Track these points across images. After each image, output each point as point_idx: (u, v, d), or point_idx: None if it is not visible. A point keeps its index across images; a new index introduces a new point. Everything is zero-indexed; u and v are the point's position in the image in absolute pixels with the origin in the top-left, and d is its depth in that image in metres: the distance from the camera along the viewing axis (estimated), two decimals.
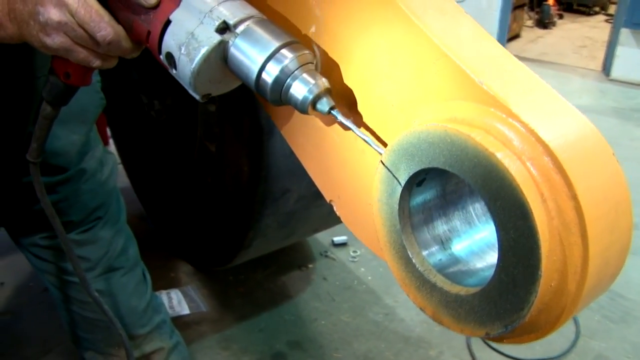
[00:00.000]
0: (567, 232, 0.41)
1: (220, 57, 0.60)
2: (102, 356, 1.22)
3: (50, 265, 1.14)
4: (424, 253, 0.53)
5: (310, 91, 0.57)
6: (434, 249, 0.54)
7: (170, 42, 0.61)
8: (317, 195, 1.62)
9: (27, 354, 1.80)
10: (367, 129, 0.59)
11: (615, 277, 0.45)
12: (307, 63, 0.58)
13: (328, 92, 0.57)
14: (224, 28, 0.59)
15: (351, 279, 2.30)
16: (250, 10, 0.61)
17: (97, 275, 1.15)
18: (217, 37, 0.59)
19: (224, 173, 1.75)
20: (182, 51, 0.60)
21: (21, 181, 1.07)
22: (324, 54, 0.61)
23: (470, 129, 0.44)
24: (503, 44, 4.88)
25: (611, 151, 0.44)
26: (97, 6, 0.64)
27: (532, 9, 6.59)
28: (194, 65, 0.59)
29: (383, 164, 0.52)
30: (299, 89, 0.57)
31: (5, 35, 0.69)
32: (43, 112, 0.79)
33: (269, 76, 0.57)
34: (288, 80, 0.57)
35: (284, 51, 0.58)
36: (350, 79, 0.59)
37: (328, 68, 0.61)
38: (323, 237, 2.55)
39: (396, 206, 0.52)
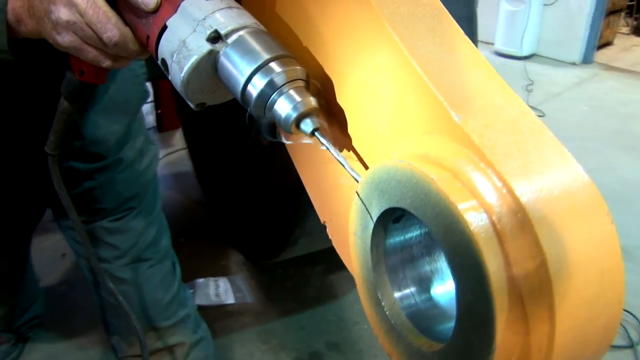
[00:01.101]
0: (533, 303, 0.36)
1: (211, 66, 0.58)
2: (126, 343, 1.25)
3: (83, 250, 1.18)
4: (397, 295, 0.48)
5: (295, 109, 0.53)
6: (410, 291, 0.49)
7: (165, 48, 0.60)
8: None
9: (75, 325, 1.90)
10: (356, 153, 0.55)
11: (599, 356, 0.39)
12: (297, 79, 0.55)
13: (314, 112, 0.54)
14: (216, 37, 0.57)
15: None
16: (246, 20, 0.58)
17: (124, 264, 1.17)
18: (207, 47, 0.57)
19: (274, 169, 1.75)
20: (174, 59, 0.58)
21: (62, 165, 1.11)
22: (320, 69, 0.57)
23: (437, 171, 0.39)
24: (591, 52, 4.54)
25: (605, 211, 0.38)
26: (106, 7, 0.64)
27: (630, 14, 6.00)
28: (182, 74, 0.58)
29: (358, 195, 0.48)
30: (284, 106, 0.54)
31: (26, 31, 0.71)
32: (60, 107, 0.81)
33: (254, 89, 0.54)
34: (273, 96, 0.54)
35: (273, 64, 0.55)
36: (341, 99, 0.55)
37: (323, 84, 0.57)
38: None
39: (369, 242, 0.48)
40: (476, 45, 1.69)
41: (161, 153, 3.23)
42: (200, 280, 2.23)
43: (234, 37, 0.57)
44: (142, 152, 1.22)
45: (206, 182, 2.55)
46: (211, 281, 2.21)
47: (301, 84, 0.55)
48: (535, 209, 0.36)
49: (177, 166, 3.09)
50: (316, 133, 0.53)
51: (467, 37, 0.47)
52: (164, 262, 1.25)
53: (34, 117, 1.01)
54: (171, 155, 3.21)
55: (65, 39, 0.66)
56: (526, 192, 0.36)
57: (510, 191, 0.36)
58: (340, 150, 0.58)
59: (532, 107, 3.62)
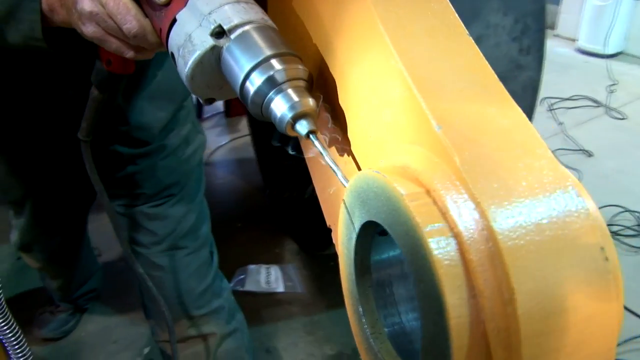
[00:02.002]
0: (497, 344, 0.32)
1: (215, 62, 0.56)
2: (160, 327, 1.28)
3: (124, 233, 1.22)
4: (381, 313, 0.45)
5: (291, 109, 0.51)
6: (398, 309, 0.46)
7: (173, 42, 0.59)
8: None
9: (129, 301, 1.98)
10: (354, 158, 0.52)
11: None
12: (297, 79, 0.52)
13: (311, 113, 0.51)
14: (220, 32, 0.56)
15: None
16: (253, 16, 0.56)
17: (161, 250, 1.20)
18: (210, 42, 0.55)
19: None
20: (180, 53, 0.58)
21: (108, 149, 1.15)
22: (327, 68, 0.55)
23: (409, 187, 0.35)
24: None
25: (599, 246, 0.33)
26: None
27: None
28: (187, 69, 0.57)
29: (344, 203, 0.45)
30: (280, 105, 0.51)
31: (59, 20, 0.73)
32: (91, 95, 0.83)
33: (252, 85, 0.53)
34: (271, 94, 0.52)
35: (273, 61, 0.53)
36: (342, 101, 0.52)
37: (330, 85, 0.55)
38: None
39: (352, 254, 0.45)
40: (544, 42, 1.59)
41: (227, 138, 3.30)
42: (252, 266, 2.26)
43: (237, 32, 0.55)
44: (188, 140, 1.23)
45: (266, 170, 2.58)
46: (263, 268, 2.24)
47: (302, 84, 0.52)
48: (508, 239, 0.31)
49: (241, 152, 3.15)
50: (311, 136, 0.50)
51: (471, 38, 0.43)
52: (201, 251, 1.27)
53: (79, 103, 1.05)
54: (236, 141, 3.27)
55: (89, 30, 0.68)
56: (500, 219, 0.32)
57: (483, 216, 0.32)
58: (341, 155, 0.56)
59: (613, 109, 3.39)
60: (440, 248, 0.32)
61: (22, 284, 2.07)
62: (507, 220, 0.32)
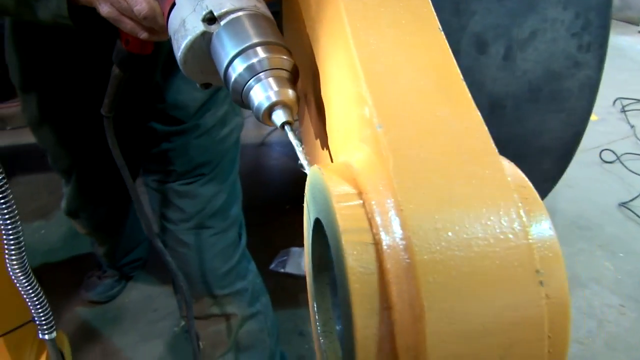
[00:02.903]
0: (404, 355, 0.30)
1: (207, 48, 0.56)
2: (184, 303, 1.32)
3: (156, 208, 1.26)
4: (337, 312, 0.44)
5: (268, 98, 0.50)
6: None
7: (171, 26, 0.60)
8: None
9: None
10: (330, 152, 0.50)
11: None
12: (279, 69, 0.51)
13: (289, 104, 0.50)
14: (211, 18, 0.55)
15: None
16: (245, 3, 0.56)
17: (188, 228, 1.23)
18: (200, 28, 0.55)
19: None
20: (175, 37, 0.58)
21: (145, 125, 1.19)
22: (313, 58, 0.53)
23: (342, 188, 0.34)
24: None
25: (534, 269, 0.30)
26: None
27: None
28: (179, 53, 0.57)
29: (304, 197, 0.44)
30: (259, 93, 0.51)
31: (82, 0, 0.75)
32: (113, 73, 0.85)
33: (233, 72, 0.52)
34: (250, 81, 0.51)
35: (258, 49, 0.52)
36: (323, 94, 0.51)
37: (317, 78, 0.53)
38: None
39: (310, 250, 0.44)
40: (606, 40, 1.48)
41: None
42: (296, 249, 2.28)
43: (228, 18, 0.55)
44: (224, 121, 1.25)
45: None
46: (296, 250, 2.25)
47: (284, 74, 0.51)
48: (425, 252, 0.29)
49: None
50: (286, 127, 0.49)
51: (442, 34, 0.40)
52: (229, 232, 1.28)
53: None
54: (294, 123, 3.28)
55: (105, 10, 0.69)
56: (420, 230, 0.30)
57: (404, 224, 0.30)
58: (322, 148, 0.54)
59: None
60: (356, 254, 0.31)
61: (76, 247, 2.19)
62: (427, 231, 0.30)
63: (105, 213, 1.63)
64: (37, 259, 2.16)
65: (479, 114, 0.35)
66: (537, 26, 1.39)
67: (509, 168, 0.37)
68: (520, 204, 0.31)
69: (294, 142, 0.48)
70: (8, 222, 0.79)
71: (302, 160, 0.47)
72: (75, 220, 1.64)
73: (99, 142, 1.30)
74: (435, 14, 0.41)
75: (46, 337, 0.91)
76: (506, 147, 1.36)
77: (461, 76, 0.38)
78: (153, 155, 1.21)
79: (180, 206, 1.21)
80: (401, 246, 0.30)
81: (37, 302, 0.88)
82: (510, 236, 0.30)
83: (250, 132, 3.19)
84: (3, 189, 0.77)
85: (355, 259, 0.30)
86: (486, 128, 0.34)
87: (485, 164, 0.33)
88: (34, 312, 0.89)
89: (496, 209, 0.31)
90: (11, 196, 0.78)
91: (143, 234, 2.04)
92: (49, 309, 0.90)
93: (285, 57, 0.52)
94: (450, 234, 0.30)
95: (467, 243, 0.30)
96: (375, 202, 0.32)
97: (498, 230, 0.30)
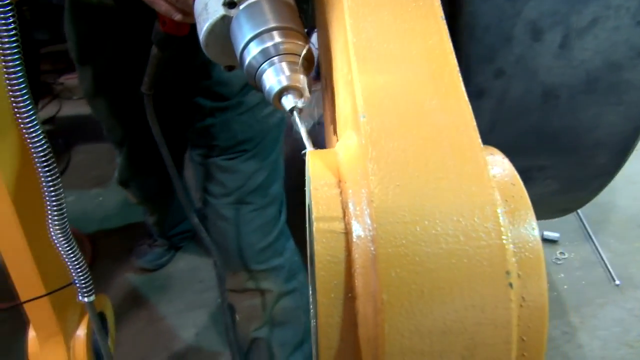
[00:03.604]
0: (367, 353, 0.30)
1: (227, 31, 0.57)
2: (218, 277, 1.35)
3: (199, 181, 1.30)
4: None
5: (279, 82, 0.50)
6: None
7: (196, 9, 0.61)
8: None
9: None
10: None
11: None
12: (293, 54, 0.51)
13: (299, 89, 0.50)
14: (232, 2, 0.56)
15: None
16: None
17: (229, 202, 1.25)
18: (221, 11, 0.56)
19: None
20: (198, 20, 0.59)
21: (191, 100, 1.22)
22: (328, 42, 0.53)
23: (324, 175, 0.34)
24: None
25: (504, 270, 0.29)
26: None
27: None
28: (201, 37, 0.58)
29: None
30: (271, 77, 0.51)
31: None
32: (152, 52, 0.87)
33: (248, 55, 0.53)
34: (264, 65, 0.52)
35: (273, 33, 0.52)
36: (334, 80, 0.51)
37: (329, 60, 0.53)
38: None
39: (308, 234, 0.44)
40: None
41: None
42: None
43: (247, 2, 0.55)
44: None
45: None
46: None
47: (297, 59, 0.51)
48: (390, 245, 0.29)
49: None
50: (294, 112, 0.50)
51: (444, 21, 0.38)
52: (268, 209, 1.30)
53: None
54: None
55: None
56: (387, 222, 0.29)
57: (372, 217, 0.30)
58: (334, 134, 0.54)
59: None
60: (325, 242, 0.31)
61: (129, 216, 2.29)
62: (394, 224, 0.29)
63: (154, 184, 1.70)
64: (94, 225, 2.28)
65: (469, 107, 0.34)
66: (599, 13, 1.31)
67: (500, 163, 0.35)
68: (497, 202, 0.30)
69: (300, 127, 0.48)
70: (51, 189, 0.84)
71: (307, 146, 0.47)
72: (127, 190, 1.72)
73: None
74: (439, 1, 0.40)
75: (85, 299, 0.96)
76: (558, 138, 1.30)
77: (457, 67, 0.36)
78: (198, 130, 1.24)
79: (222, 180, 1.24)
80: (369, 237, 0.30)
81: (77, 266, 0.93)
82: (482, 234, 0.29)
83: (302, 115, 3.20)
84: (47, 156, 0.81)
85: (324, 246, 0.31)
86: (474, 122, 0.33)
87: (467, 158, 0.32)
88: (75, 275, 0.94)
89: (470, 205, 0.30)
90: (54, 164, 0.83)
91: (194, 207, 2.11)
92: (88, 273, 0.95)
93: (300, 42, 0.52)
94: (418, 228, 0.29)
95: (435, 239, 0.29)
96: (352, 191, 0.32)
97: (469, 228, 0.30)
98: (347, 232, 0.31)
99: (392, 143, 0.32)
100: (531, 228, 0.32)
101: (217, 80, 1.19)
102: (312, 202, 0.32)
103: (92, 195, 2.47)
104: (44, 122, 2.91)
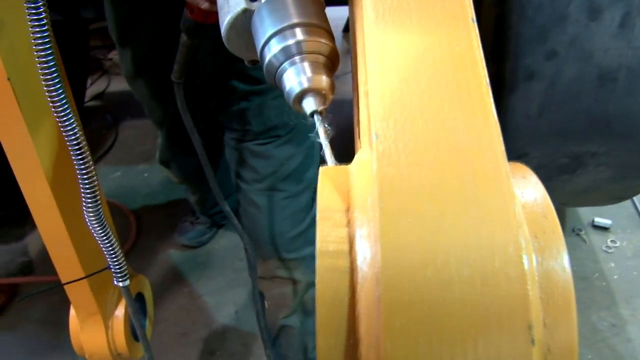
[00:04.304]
0: None
1: (249, 25, 0.54)
2: (249, 264, 1.35)
3: (233, 166, 1.29)
4: None
5: (299, 84, 0.47)
6: None
7: (218, 2, 0.58)
8: (564, 168, 1.42)
9: None
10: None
11: None
12: (316, 53, 0.48)
13: (322, 92, 0.47)
14: None
15: (593, 270, 1.96)
16: None
17: (261, 189, 1.24)
18: (242, 4, 0.53)
19: None
20: (220, 14, 0.56)
21: (226, 84, 1.21)
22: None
23: (332, 200, 0.31)
24: None
25: (527, 323, 0.26)
26: None
27: None
28: (223, 31, 0.56)
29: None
30: (291, 78, 0.48)
31: None
32: (181, 40, 0.85)
33: (268, 52, 0.50)
34: (285, 64, 0.49)
35: (296, 30, 0.49)
36: (359, 84, 0.47)
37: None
38: (584, 212, 2.20)
39: None
40: None
41: None
42: None
43: None
44: None
45: None
46: None
47: (320, 59, 0.48)
48: (396, 290, 0.26)
49: None
50: (315, 116, 0.46)
51: (474, 25, 0.34)
52: (301, 197, 1.28)
53: None
54: None
55: None
56: (394, 264, 0.26)
57: (379, 257, 0.27)
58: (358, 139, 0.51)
59: None
60: (328, 280, 0.28)
61: (173, 192, 2.32)
62: (402, 267, 0.26)
63: (194, 164, 1.70)
64: (139, 201, 2.32)
65: (497, 126, 0.30)
66: None
67: (532, 189, 0.31)
68: (522, 243, 0.27)
69: (321, 134, 0.45)
70: (85, 176, 0.84)
71: (327, 155, 0.44)
72: (168, 170, 1.73)
73: (188, 99, 1.34)
74: (471, 2, 0.35)
75: (120, 284, 0.98)
76: (613, 123, 1.22)
77: (487, 78, 0.32)
78: (232, 113, 1.23)
79: (254, 166, 1.23)
80: (375, 278, 0.27)
81: (112, 251, 0.94)
82: (503, 282, 0.26)
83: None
84: (80, 143, 0.82)
85: (327, 286, 0.28)
86: (502, 145, 0.30)
87: (491, 190, 0.28)
88: (109, 260, 0.95)
89: (491, 246, 0.27)
90: (87, 151, 0.83)
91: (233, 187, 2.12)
92: (122, 258, 0.95)
93: (324, 40, 0.48)
94: (429, 272, 0.26)
95: (448, 285, 0.26)
96: (360, 222, 0.29)
97: (488, 273, 0.26)
98: (352, 270, 0.28)
99: (406, 169, 0.29)
100: (562, 269, 0.28)
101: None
102: (317, 234, 0.29)
103: (138, 171, 2.52)
104: (93, 98, 2.98)
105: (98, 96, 3.00)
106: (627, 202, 2.12)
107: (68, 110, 0.79)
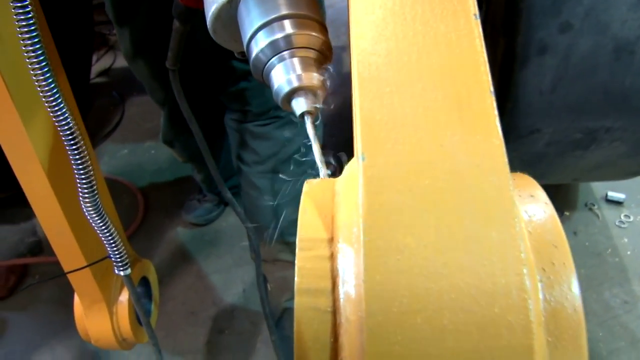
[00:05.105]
0: None
1: (235, 15, 0.50)
2: (252, 248, 1.33)
3: (234, 149, 1.26)
4: None
5: (289, 82, 0.43)
6: None
7: None
8: (577, 144, 1.38)
9: None
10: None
11: None
12: (307, 47, 0.44)
13: (312, 90, 0.43)
14: None
15: (606, 245, 1.92)
16: None
17: (262, 171, 1.21)
18: None
19: None
20: (205, 4, 0.52)
21: (225, 64, 1.17)
22: None
23: (314, 227, 0.28)
24: None
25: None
26: None
27: None
28: (208, 22, 0.52)
29: None
30: (280, 75, 0.44)
31: None
32: (174, 26, 0.82)
33: (255, 46, 0.46)
34: (273, 60, 0.45)
35: (285, 22, 0.45)
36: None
37: None
38: (597, 186, 2.16)
39: None
40: None
41: None
42: None
43: None
44: None
45: None
46: None
47: (311, 54, 0.44)
48: (381, 343, 0.23)
49: None
50: (305, 117, 0.43)
51: (477, 21, 0.30)
52: (304, 179, 1.25)
53: None
54: None
55: None
56: (378, 313, 0.23)
57: (362, 301, 0.24)
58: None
59: None
60: (308, 322, 0.25)
61: (180, 170, 2.30)
62: (388, 314, 0.23)
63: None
64: (146, 178, 2.31)
65: (501, 144, 0.27)
66: None
67: (541, 212, 0.28)
68: (528, 287, 0.23)
69: (312, 137, 0.42)
70: (80, 166, 0.81)
71: (318, 162, 0.41)
72: (172, 149, 1.71)
73: (188, 79, 1.31)
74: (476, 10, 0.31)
75: (121, 273, 0.96)
76: (629, 98, 1.17)
77: (491, 86, 0.28)
78: (231, 93, 1.20)
79: (255, 148, 1.20)
80: (359, 324, 0.24)
81: (111, 241, 0.92)
82: (504, 330, 0.23)
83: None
84: (74, 134, 0.79)
85: (306, 327, 0.25)
86: (507, 167, 0.26)
87: (494, 222, 0.25)
88: (109, 249, 0.93)
89: (491, 290, 0.23)
90: (81, 140, 0.80)
91: (223, 181, 2.10)
92: (122, 247, 0.94)
93: (315, 33, 0.44)
94: (419, 319, 0.23)
95: (441, 334, 0.23)
96: (344, 256, 0.26)
97: (487, 321, 0.23)
98: (335, 310, 0.25)
99: (396, 197, 0.26)
100: (574, 309, 0.25)
101: None
102: (297, 267, 0.26)
103: (145, 148, 2.50)
104: (99, 75, 2.94)
105: (104, 72, 2.97)
106: None
107: (60, 100, 0.76)
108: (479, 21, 0.30)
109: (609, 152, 1.50)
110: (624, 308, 1.70)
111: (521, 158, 1.48)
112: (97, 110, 2.72)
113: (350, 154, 0.34)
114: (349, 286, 0.25)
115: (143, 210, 2.15)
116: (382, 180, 0.26)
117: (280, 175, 1.22)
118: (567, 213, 2.04)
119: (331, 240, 0.27)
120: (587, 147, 1.49)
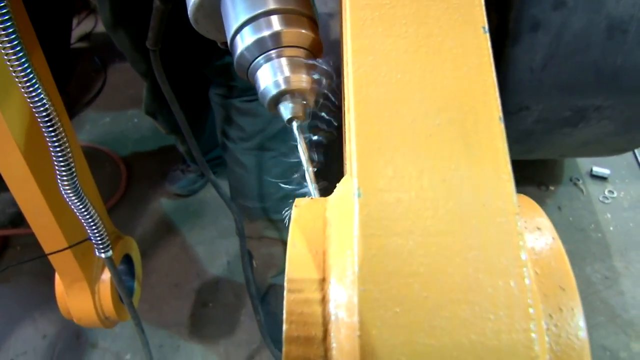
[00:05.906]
0: None
1: (218, 5, 0.47)
2: (236, 225, 1.31)
3: (219, 124, 1.22)
4: None
5: (276, 84, 0.41)
6: None
7: None
8: (566, 122, 1.36)
9: None
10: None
11: None
12: (295, 46, 0.41)
13: (301, 93, 0.40)
14: None
15: (589, 220, 1.94)
16: None
17: (248, 148, 1.18)
18: None
19: None
20: None
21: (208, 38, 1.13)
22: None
23: (304, 266, 0.26)
24: None
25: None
26: None
27: None
28: (189, 11, 0.48)
29: None
30: (266, 76, 0.41)
31: None
32: (154, 5, 0.77)
33: (241, 42, 0.43)
34: (259, 59, 0.42)
35: (272, 18, 0.41)
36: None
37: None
38: (582, 161, 2.16)
39: None
40: None
41: None
42: None
43: None
44: None
45: None
46: None
47: (301, 53, 0.41)
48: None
49: None
50: (294, 123, 0.40)
51: (485, 36, 0.28)
52: (291, 156, 1.22)
53: None
54: None
55: None
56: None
57: (357, 346, 0.22)
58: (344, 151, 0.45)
59: None
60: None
61: (164, 139, 2.25)
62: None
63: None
64: (129, 147, 2.26)
65: (511, 180, 0.25)
66: None
67: (547, 248, 0.26)
68: (537, 348, 0.22)
69: (300, 146, 0.39)
70: (57, 148, 0.78)
71: (305, 167, 0.39)
72: (155, 121, 1.67)
73: (171, 51, 1.26)
74: (483, 5, 0.28)
75: (102, 255, 0.94)
76: (620, 77, 1.15)
77: (500, 112, 0.26)
78: (217, 67, 1.16)
79: (240, 124, 1.16)
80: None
81: (91, 223, 0.89)
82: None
83: None
84: (50, 115, 0.75)
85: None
86: (516, 207, 0.24)
87: (501, 272, 0.23)
88: (90, 232, 0.91)
89: (496, 348, 0.22)
90: (58, 122, 0.76)
91: (207, 164, 2.06)
92: (103, 229, 0.91)
93: (304, 30, 0.41)
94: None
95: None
96: (337, 300, 0.24)
97: None
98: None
99: (395, 240, 0.23)
100: (580, 358, 0.23)
101: None
102: (285, 313, 0.24)
103: (128, 116, 2.43)
104: (80, 39, 2.84)
105: (85, 37, 2.86)
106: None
107: (34, 81, 0.72)
108: (487, 35, 0.28)
109: (598, 130, 1.49)
110: (604, 284, 1.73)
111: (509, 135, 1.47)
112: (78, 76, 2.64)
113: None
114: (341, 338, 0.23)
115: (126, 180, 2.11)
116: (380, 222, 0.24)
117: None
118: (552, 187, 2.05)
119: (323, 281, 0.25)
120: (576, 125, 1.48)
